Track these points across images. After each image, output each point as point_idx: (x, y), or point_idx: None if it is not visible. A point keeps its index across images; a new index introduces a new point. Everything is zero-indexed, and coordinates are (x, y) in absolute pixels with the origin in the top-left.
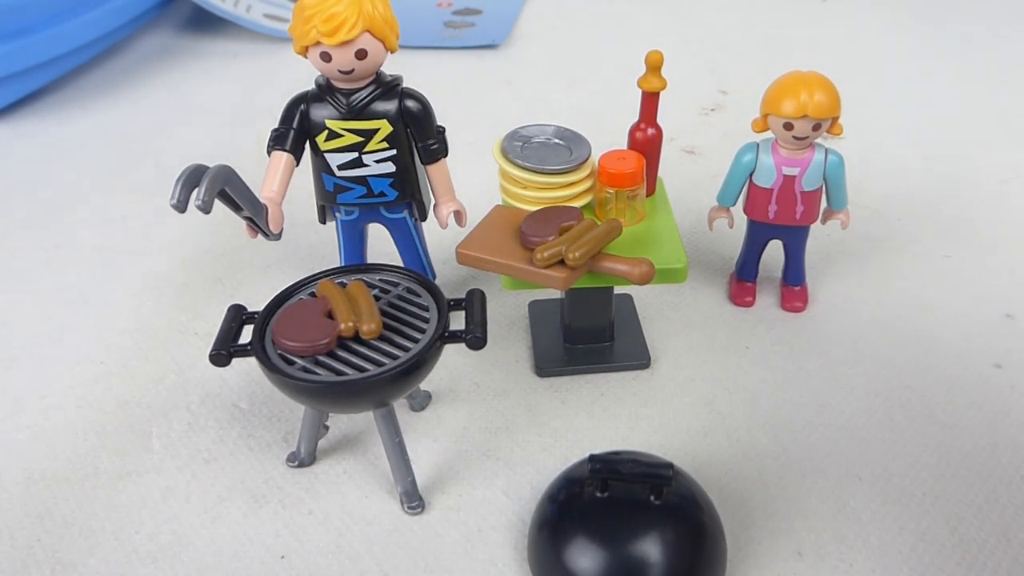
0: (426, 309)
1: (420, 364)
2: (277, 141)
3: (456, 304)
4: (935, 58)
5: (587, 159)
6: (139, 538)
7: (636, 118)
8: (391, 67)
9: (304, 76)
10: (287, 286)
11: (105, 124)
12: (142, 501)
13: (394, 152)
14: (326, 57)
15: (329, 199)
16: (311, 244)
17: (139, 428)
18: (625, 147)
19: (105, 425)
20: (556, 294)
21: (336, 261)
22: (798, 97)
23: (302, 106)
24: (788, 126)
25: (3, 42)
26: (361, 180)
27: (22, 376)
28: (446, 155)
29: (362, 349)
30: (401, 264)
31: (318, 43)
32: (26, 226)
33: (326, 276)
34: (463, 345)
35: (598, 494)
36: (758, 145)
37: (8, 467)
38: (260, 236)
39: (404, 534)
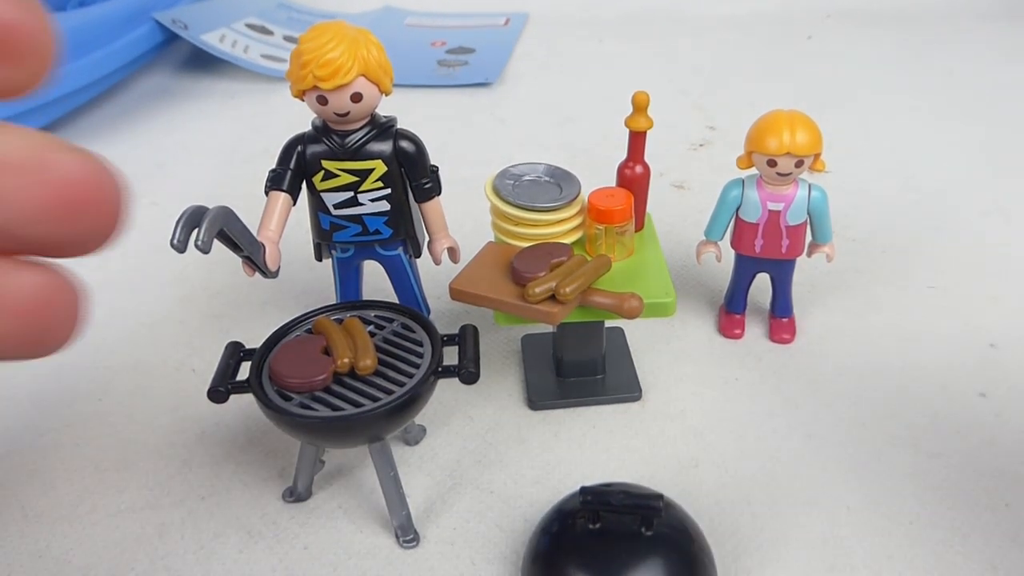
0: (420, 344)
1: (414, 399)
2: (274, 181)
3: (449, 339)
4: (918, 93)
5: (576, 196)
6: (134, 575)
7: (625, 155)
8: (387, 104)
9: (301, 116)
10: (284, 323)
11: None
12: (138, 538)
13: (389, 191)
14: (322, 100)
15: (325, 237)
16: (307, 281)
17: (136, 465)
18: (614, 184)
19: (102, 462)
20: (548, 328)
21: (332, 298)
22: (780, 135)
23: (299, 147)
24: (771, 163)
25: None
26: (356, 218)
27: (20, 414)
28: (439, 193)
29: (358, 384)
30: (396, 300)
31: (315, 87)
32: None
33: (322, 313)
34: (457, 379)
35: (590, 526)
36: (743, 181)
37: (6, 505)
38: (258, 274)
39: (399, 568)
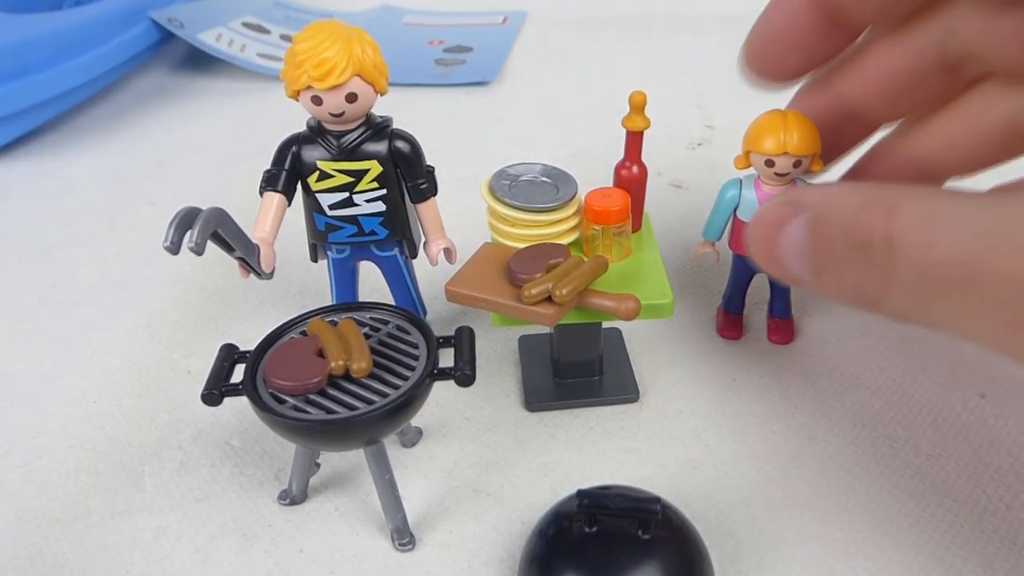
0: (416, 347)
1: (409, 402)
2: (269, 182)
3: (445, 341)
4: None
5: (573, 197)
6: None
7: (622, 155)
8: (384, 103)
9: (298, 116)
10: (279, 325)
11: (101, 163)
12: (133, 541)
13: (384, 192)
14: (317, 101)
15: (320, 238)
16: (303, 282)
17: (131, 467)
18: (611, 184)
19: (97, 464)
20: (545, 329)
21: (327, 299)
22: (778, 135)
23: (294, 148)
24: (769, 163)
25: (1, 83)
26: (352, 219)
27: (15, 416)
28: (435, 194)
29: (352, 387)
30: (392, 301)
31: (309, 87)
32: (21, 265)
33: (317, 315)
34: (453, 382)
35: (587, 529)
36: (741, 181)
37: (0, 507)
38: (252, 275)
39: (395, 571)
